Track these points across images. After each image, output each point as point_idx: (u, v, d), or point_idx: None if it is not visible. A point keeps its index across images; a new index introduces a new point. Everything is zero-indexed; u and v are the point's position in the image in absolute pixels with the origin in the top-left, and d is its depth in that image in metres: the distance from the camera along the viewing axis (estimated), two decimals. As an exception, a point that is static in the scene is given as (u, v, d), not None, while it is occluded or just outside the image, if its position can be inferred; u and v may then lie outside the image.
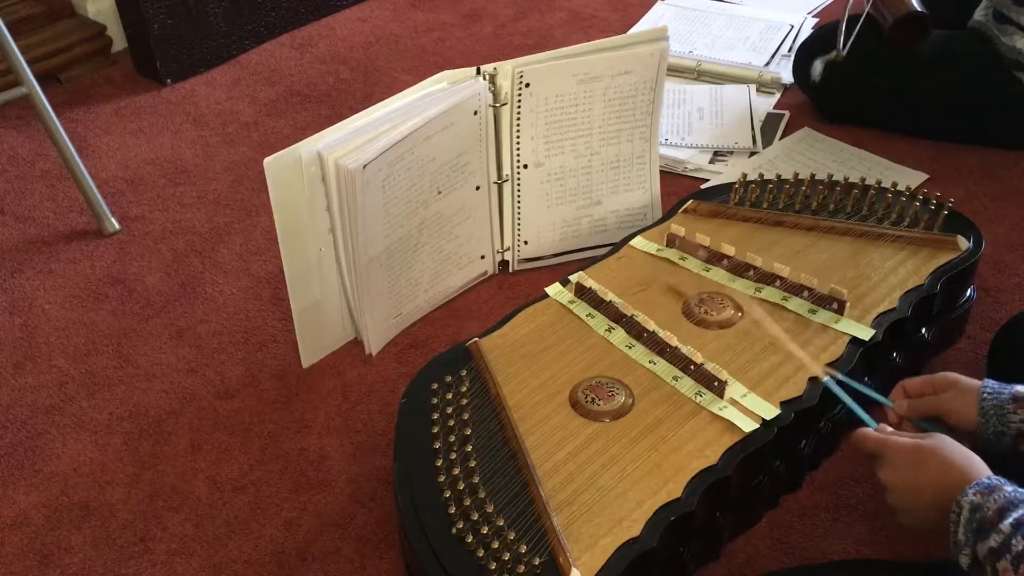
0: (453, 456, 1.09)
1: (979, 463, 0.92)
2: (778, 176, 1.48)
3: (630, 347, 1.22)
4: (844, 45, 1.65)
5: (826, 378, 1.11)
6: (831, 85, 1.80)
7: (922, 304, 1.27)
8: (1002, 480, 0.89)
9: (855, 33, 1.64)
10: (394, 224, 1.36)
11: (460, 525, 1.01)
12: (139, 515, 1.23)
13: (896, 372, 1.28)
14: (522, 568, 0.96)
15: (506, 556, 0.97)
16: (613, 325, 1.25)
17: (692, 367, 1.17)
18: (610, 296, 1.27)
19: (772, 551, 1.15)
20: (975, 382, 1.04)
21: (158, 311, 1.52)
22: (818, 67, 1.73)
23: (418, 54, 2.13)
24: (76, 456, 1.30)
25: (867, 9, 1.66)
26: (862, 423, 1.05)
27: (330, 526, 1.20)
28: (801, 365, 1.18)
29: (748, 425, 1.11)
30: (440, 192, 1.41)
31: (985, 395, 1.02)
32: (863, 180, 1.45)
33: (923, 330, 1.31)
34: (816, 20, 2.17)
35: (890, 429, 1.03)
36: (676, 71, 1.99)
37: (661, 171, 1.61)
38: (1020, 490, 0.87)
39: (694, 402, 1.14)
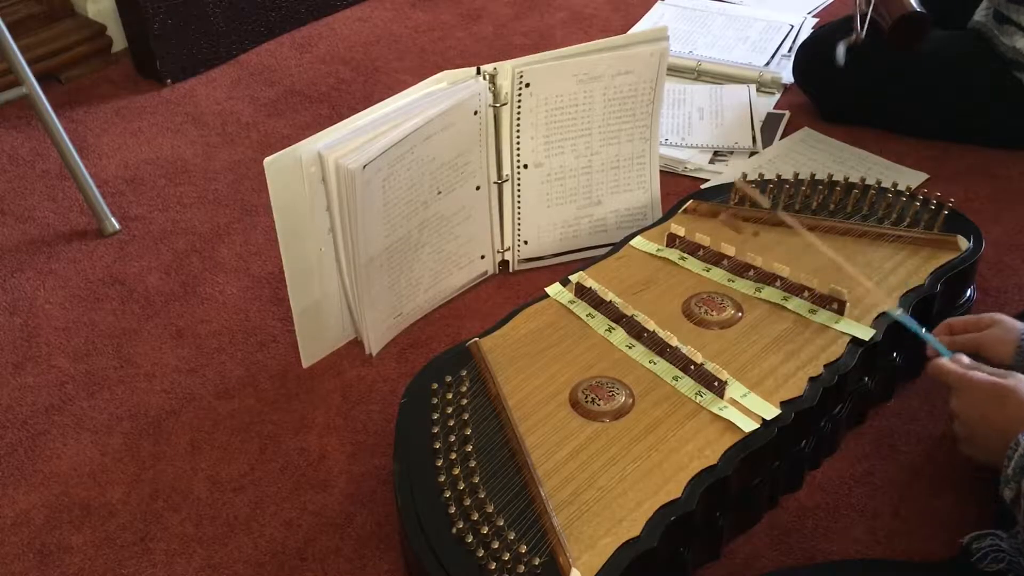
0: (453, 456, 1.09)
1: None
2: (778, 176, 1.48)
3: (630, 347, 1.22)
4: (862, 27, 1.64)
5: (899, 312, 1.17)
6: (831, 85, 1.80)
7: (922, 304, 1.27)
8: None
9: (868, 18, 1.64)
10: (394, 224, 1.36)
11: (460, 525, 1.01)
12: (139, 515, 1.23)
13: (896, 372, 1.28)
14: (522, 568, 0.96)
15: (506, 556, 0.97)
16: (613, 325, 1.25)
17: (692, 367, 1.17)
18: (610, 296, 1.27)
19: (772, 551, 1.15)
20: (1019, 323, 1.10)
21: (158, 311, 1.52)
22: (841, 50, 1.72)
23: (418, 54, 2.13)
24: (76, 456, 1.30)
25: (867, 11, 1.66)
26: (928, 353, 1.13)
27: (330, 526, 1.20)
28: (803, 364, 1.18)
29: (748, 425, 1.11)
30: (440, 192, 1.41)
31: None
32: (863, 180, 1.45)
33: (924, 330, 1.30)
34: (816, 20, 2.17)
35: (967, 360, 1.07)
36: (676, 71, 1.99)
37: (661, 171, 1.61)
38: None
39: (694, 402, 1.14)
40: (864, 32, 1.64)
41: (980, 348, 1.11)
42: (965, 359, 1.08)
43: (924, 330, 1.15)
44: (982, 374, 1.04)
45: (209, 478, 1.27)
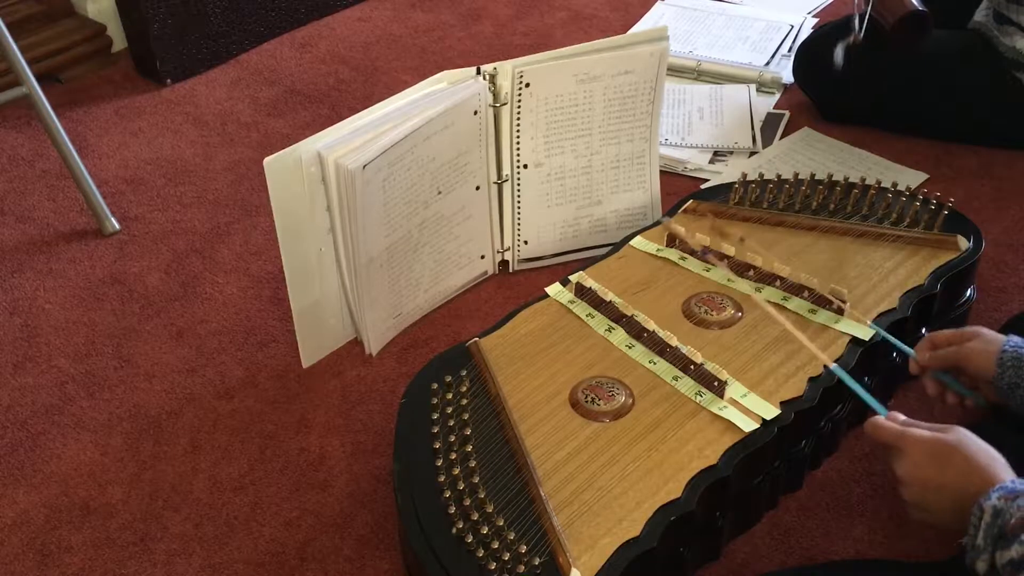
0: (453, 456, 1.09)
1: (1002, 463, 0.90)
2: (778, 176, 1.48)
3: (630, 347, 1.22)
4: (860, 28, 1.64)
5: (833, 365, 1.11)
6: (830, 85, 1.80)
7: (922, 304, 1.27)
8: None
9: (866, 20, 1.64)
10: (394, 224, 1.36)
11: (460, 525, 1.01)
12: (139, 515, 1.23)
13: (896, 372, 1.28)
14: (522, 568, 0.96)
15: (506, 556, 0.97)
16: (613, 325, 1.25)
17: (692, 367, 1.17)
18: (610, 296, 1.27)
19: (772, 551, 1.15)
20: (1000, 336, 1.06)
21: (158, 311, 1.52)
22: (839, 53, 1.72)
23: (418, 54, 2.13)
24: (76, 456, 1.30)
25: (866, 11, 1.66)
26: (872, 412, 1.04)
27: (330, 526, 1.20)
28: (803, 364, 1.18)
29: (748, 425, 1.11)
30: (440, 192, 1.41)
31: (1007, 347, 1.03)
32: (863, 180, 1.45)
33: (923, 330, 1.31)
34: (816, 20, 2.17)
35: (902, 418, 1.00)
36: (676, 71, 1.99)
37: (661, 171, 1.61)
38: None
39: (694, 402, 1.14)
40: (863, 34, 1.64)
41: (962, 361, 1.07)
42: (900, 416, 1.00)
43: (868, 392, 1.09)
44: (921, 431, 0.95)
45: (209, 478, 1.27)
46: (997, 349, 1.04)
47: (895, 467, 0.95)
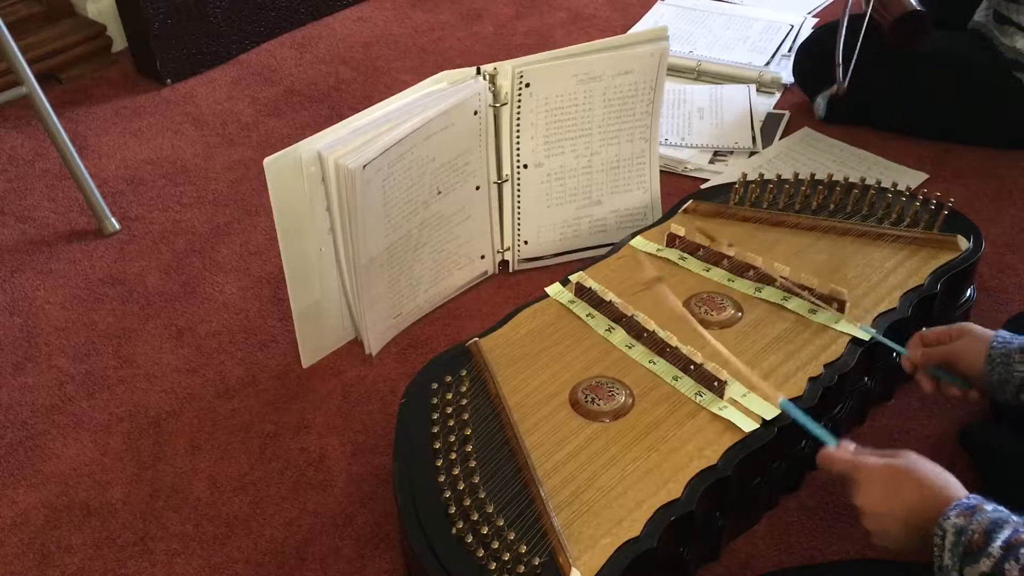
0: (453, 456, 1.09)
1: (953, 481, 0.91)
2: (778, 176, 1.48)
3: (630, 347, 1.22)
4: (844, 77, 1.64)
5: (781, 399, 1.10)
6: (831, 85, 1.80)
7: (922, 304, 1.27)
8: (980, 498, 0.87)
9: (851, 68, 1.65)
10: (394, 224, 1.36)
11: (460, 525, 1.01)
12: (139, 515, 1.23)
13: (896, 372, 1.28)
14: (522, 568, 0.96)
15: (506, 556, 0.97)
16: (613, 325, 1.25)
17: (692, 367, 1.17)
18: (610, 296, 1.27)
19: (772, 551, 1.15)
20: (988, 332, 1.07)
21: (158, 311, 1.52)
22: (821, 104, 1.75)
23: (418, 54, 2.13)
24: (76, 456, 1.30)
25: (868, 10, 1.66)
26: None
27: (330, 526, 1.20)
28: (803, 364, 1.18)
29: (748, 425, 1.11)
30: (440, 192, 1.41)
31: (995, 343, 1.05)
32: (863, 180, 1.45)
33: (923, 330, 1.31)
34: (816, 20, 2.17)
35: (853, 447, 0.99)
36: (676, 71, 1.99)
37: (661, 171, 1.61)
38: (999, 508, 0.85)
39: (694, 402, 1.14)
40: (846, 82, 1.64)
41: (952, 359, 1.09)
42: (852, 445, 0.99)
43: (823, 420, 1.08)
44: (872, 459, 0.95)
45: (209, 478, 1.27)
46: (986, 345, 1.05)
47: (852, 498, 0.95)
